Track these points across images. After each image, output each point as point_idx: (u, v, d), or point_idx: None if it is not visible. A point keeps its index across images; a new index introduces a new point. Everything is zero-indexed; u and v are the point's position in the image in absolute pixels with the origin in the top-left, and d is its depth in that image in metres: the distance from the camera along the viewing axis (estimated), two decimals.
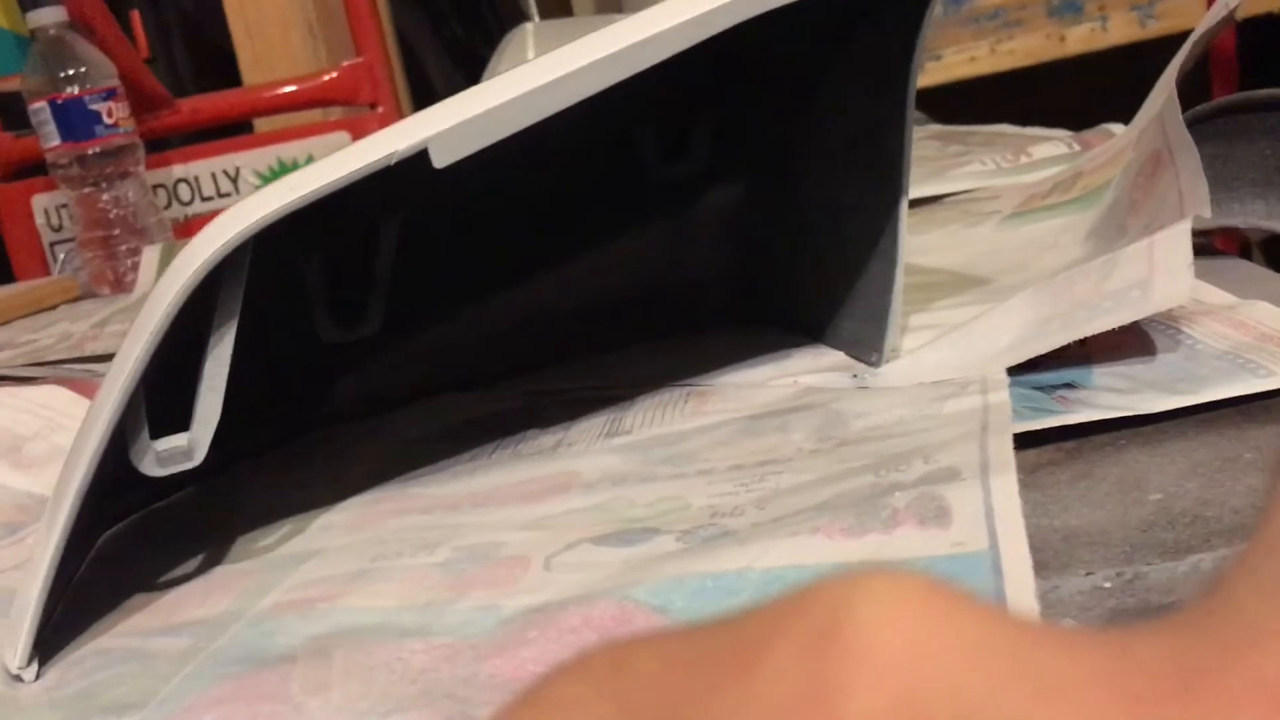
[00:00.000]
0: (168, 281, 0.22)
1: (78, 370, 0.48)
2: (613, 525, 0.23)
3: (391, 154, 0.23)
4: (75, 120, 0.77)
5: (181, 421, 0.25)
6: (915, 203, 0.48)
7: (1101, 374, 0.25)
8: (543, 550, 0.22)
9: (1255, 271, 0.31)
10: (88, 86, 0.76)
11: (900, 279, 0.29)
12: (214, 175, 0.88)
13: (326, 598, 0.22)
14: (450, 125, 0.23)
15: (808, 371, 0.30)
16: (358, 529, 0.26)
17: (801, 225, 0.34)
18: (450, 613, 0.21)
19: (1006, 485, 0.18)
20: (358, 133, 0.89)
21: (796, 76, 0.33)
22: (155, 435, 0.24)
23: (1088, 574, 0.17)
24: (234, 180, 0.88)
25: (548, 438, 0.29)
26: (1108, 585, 0.17)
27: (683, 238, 0.37)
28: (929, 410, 0.24)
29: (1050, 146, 0.51)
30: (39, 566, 0.22)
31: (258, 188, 0.87)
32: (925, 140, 0.65)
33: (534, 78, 0.24)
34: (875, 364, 0.29)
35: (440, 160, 0.23)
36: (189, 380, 0.25)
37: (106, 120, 0.78)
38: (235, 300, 0.23)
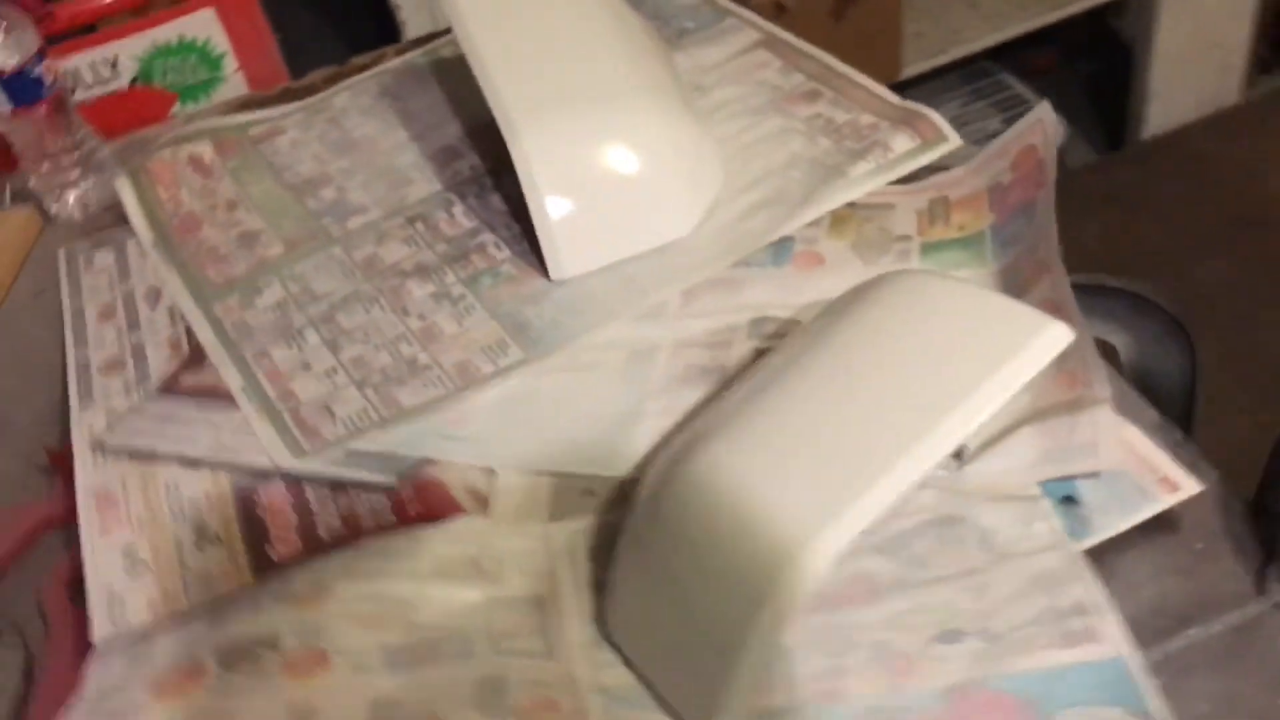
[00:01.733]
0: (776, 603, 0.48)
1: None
2: (934, 627, 0.53)
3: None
4: (21, 90, 0.81)
5: None
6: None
7: (1081, 487, 0.57)
8: (912, 646, 0.52)
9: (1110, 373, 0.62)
10: (18, 53, 0.80)
11: None
12: (94, 65, 0.91)
13: (838, 691, 0.51)
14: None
15: None
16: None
17: None
18: (909, 693, 0.51)
19: (1117, 620, 0.51)
20: (223, 9, 0.96)
21: None
22: None
23: (1137, 651, 0.51)
24: (114, 65, 0.92)
25: None
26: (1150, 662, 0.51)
27: None
28: (1028, 532, 0.55)
29: (902, 139, 0.77)
30: None
31: (134, 78, 0.94)
32: (754, 51, 0.88)
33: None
34: (960, 462, 0.59)
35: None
36: None
37: (47, 81, 0.82)
38: None
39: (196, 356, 0.72)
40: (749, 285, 0.71)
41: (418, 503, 0.61)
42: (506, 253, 0.76)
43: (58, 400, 0.72)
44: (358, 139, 0.88)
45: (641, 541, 0.54)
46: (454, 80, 0.92)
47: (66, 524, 0.64)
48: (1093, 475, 0.57)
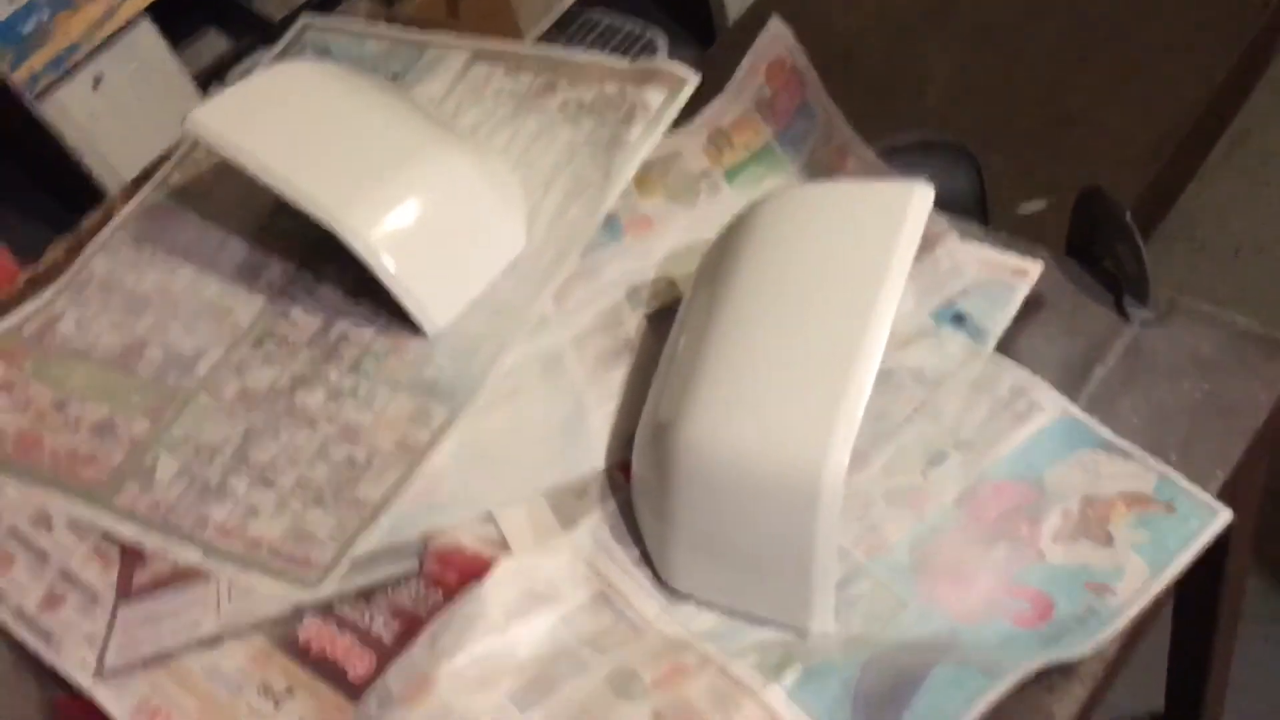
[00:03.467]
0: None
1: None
2: (920, 460, 0.63)
3: None
4: None
5: None
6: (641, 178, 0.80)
7: (961, 305, 0.69)
8: (913, 481, 0.62)
9: None
10: None
11: None
12: None
13: (880, 542, 0.61)
14: None
15: None
16: None
17: None
18: (932, 516, 0.61)
19: (1047, 388, 0.63)
20: None
21: None
22: None
23: (1072, 404, 0.63)
24: None
25: None
26: None
27: None
28: (945, 355, 0.67)
29: (653, 93, 0.85)
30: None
31: None
32: (472, 67, 0.93)
33: None
34: None
35: None
36: None
37: None
38: None
39: (131, 555, 0.71)
40: (604, 267, 0.78)
41: (451, 571, 0.64)
42: (369, 331, 0.79)
43: (11, 662, 0.69)
44: (146, 293, 0.87)
45: (680, 509, 0.61)
46: (205, 202, 0.92)
47: None
48: (964, 293, 0.69)
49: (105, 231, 0.93)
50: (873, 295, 0.59)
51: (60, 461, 0.78)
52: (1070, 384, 0.64)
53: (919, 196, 0.61)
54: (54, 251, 0.94)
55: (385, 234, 0.75)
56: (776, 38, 0.79)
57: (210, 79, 1.30)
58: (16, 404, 0.82)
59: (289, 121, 0.81)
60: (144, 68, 1.18)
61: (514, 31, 1.63)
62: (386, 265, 0.75)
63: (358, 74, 0.89)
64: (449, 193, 0.79)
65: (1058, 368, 0.65)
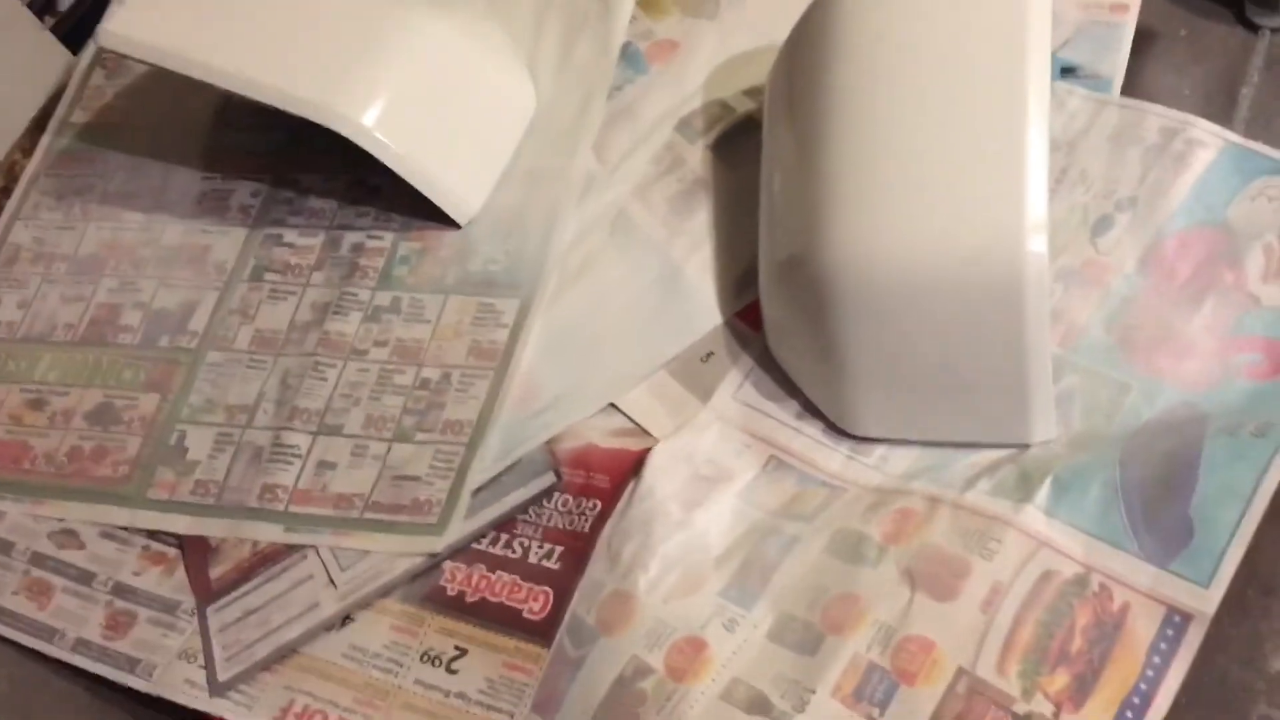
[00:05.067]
0: None
1: None
2: (1083, 231, 0.56)
3: None
4: None
5: None
6: None
7: (1064, 58, 0.62)
8: (1082, 255, 0.56)
9: None
10: None
11: None
12: None
13: (1072, 329, 0.54)
14: None
15: None
16: None
17: None
18: (1117, 287, 0.54)
19: (1202, 122, 0.57)
20: None
21: None
22: None
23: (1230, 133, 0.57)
24: None
25: None
26: None
27: None
28: (1069, 113, 0.60)
29: None
30: None
31: None
32: None
33: None
34: None
35: None
36: None
37: None
38: None
39: (196, 548, 0.61)
40: (639, 105, 0.68)
41: (601, 473, 0.56)
42: (387, 237, 0.68)
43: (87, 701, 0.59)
44: (94, 254, 0.73)
45: (846, 345, 0.53)
46: (126, 135, 0.77)
47: None
48: (1067, 44, 0.62)
49: (15, 195, 0.78)
50: (1020, 48, 0.51)
51: (62, 466, 0.66)
52: (1219, 112, 0.58)
53: None
54: None
55: (383, 116, 0.64)
56: None
57: (48, 3, 1.12)
58: None
59: (226, 9, 0.68)
60: None
61: None
62: (394, 150, 0.64)
63: None
64: (437, 58, 0.67)
65: (1198, 99, 0.59)
